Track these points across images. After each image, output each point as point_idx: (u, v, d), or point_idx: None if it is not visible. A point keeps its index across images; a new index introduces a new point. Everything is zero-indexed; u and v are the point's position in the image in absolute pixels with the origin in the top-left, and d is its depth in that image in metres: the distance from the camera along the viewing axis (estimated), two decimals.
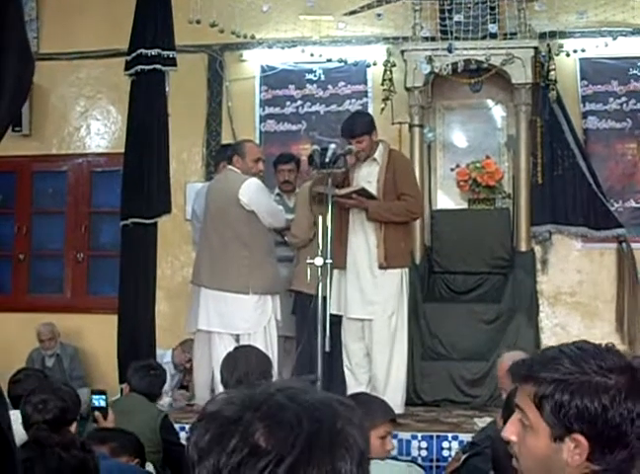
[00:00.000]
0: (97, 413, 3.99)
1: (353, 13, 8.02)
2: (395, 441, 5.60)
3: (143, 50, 6.16)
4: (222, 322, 6.10)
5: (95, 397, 4.02)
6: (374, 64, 8.08)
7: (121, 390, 5.63)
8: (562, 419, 1.79)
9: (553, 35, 7.66)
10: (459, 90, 7.95)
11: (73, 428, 3.56)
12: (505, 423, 3.46)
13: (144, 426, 4.35)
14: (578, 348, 1.86)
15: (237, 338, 6.08)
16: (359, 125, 6.03)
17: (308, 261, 5.50)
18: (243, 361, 4.50)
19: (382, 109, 7.64)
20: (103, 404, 4.01)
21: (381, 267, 5.99)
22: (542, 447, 1.86)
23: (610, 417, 1.75)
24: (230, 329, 6.10)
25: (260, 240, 6.18)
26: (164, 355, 7.23)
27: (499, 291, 7.56)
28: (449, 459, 5.15)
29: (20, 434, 3.11)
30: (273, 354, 5.97)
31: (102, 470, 2.44)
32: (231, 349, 5.09)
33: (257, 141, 7.54)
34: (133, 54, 6.22)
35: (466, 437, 5.26)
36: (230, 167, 6.25)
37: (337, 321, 5.96)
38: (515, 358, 4.63)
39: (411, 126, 7.74)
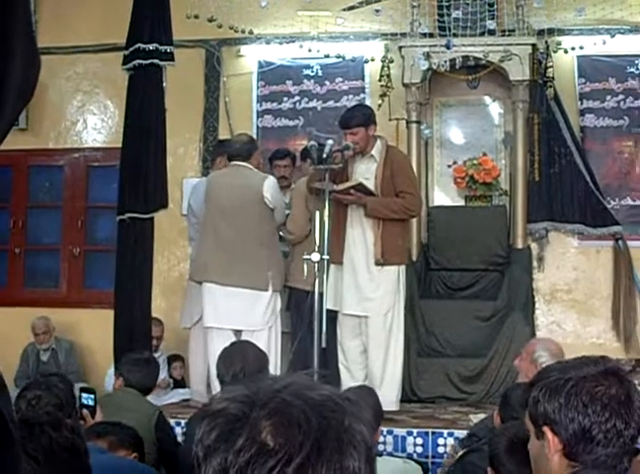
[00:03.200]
0: (85, 411, 3.95)
1: (351, 9, 8.02)
2: (390, 438, 5.62)
3: (141, 45, 6.14)
4: (234, 319, 6.04)
5: (84, 395, 3.99)
6: (372, 60, 8.08)
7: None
8: (536, 415, 1.98)
9: (551, 32, 7.67)
10: (457, 86, 7.95)
11: None
12: (502, 420, 3.47)
13: (138, 423, 4.32)
14: (574, 360, 2.08)
15: (236, 334, 6.03)
16: (355, 118, 6.01)
17: (305, 256, 5.49)
18: (239, 357, 4.49)
19: (380, 105, 7.64)
20: (91, 403, 3.98)
21: (378, 263, 5.97)
22: (533, 447, 2.03)
23: (568, 414, 1.92)
24: (242, 325, 6.04)
25: (274, 237, 6.26)
26: None
27: (495, 288, 7.56)
28: (445, 456, 5.15)
29: None
30: (277, 349, 6.00)
31: (99, 464, 2.43)
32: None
33: (254, 137, 7.52)
34: (131, 49, 6.20)
35: (462, 434, 5.25)
36: (244, 163, 6.22)
37: (333, 317, 5.96)
38: (544, 345, 4.56)
39: (408, 123, 7.73)
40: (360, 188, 5.87)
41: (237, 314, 6.04)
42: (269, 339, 5.99)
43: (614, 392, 1.93)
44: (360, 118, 6.00)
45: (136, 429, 3.88)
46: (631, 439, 1.94)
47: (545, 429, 1.95)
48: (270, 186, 6.10)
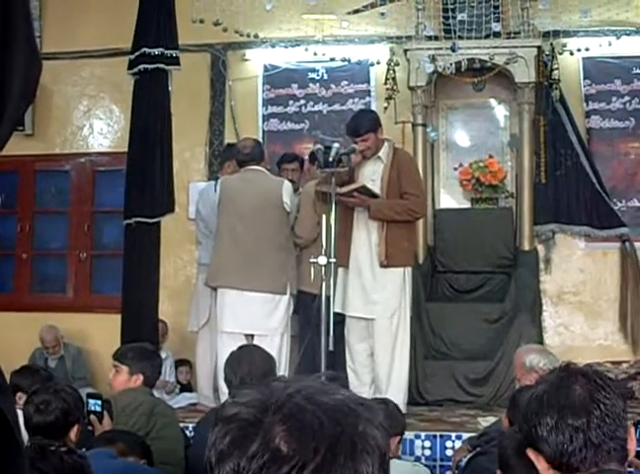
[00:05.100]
0: (92, 416, 3.95)
1: (356, 12, 8.02)
2: None
3: (146, 49, 6.15)
4: (253, 323, 6.01)
5: (91, 401, 3.99)
6: (377, 63, 8.07)
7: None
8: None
9: (556, 34, 7.66)
10: (462, 89, 7.95)
11: (74, 430, 3.53)
12: (510, 422, 3.47)
13: (172, 430, 4.24)
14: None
15: (247, 338, 6.00)
16: (363, 125, 6.00)
17: (312, 260, 5.49)
18: (247, 360, 4.49)
19: (385, 108, 7.64)
20: (98, 408, 3.98)
21: (382, 265, 5.96)
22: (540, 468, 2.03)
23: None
24: (262, 330, 6.01)
25: (290, 240, 6.26)
26: None
27: (502, 291, 7.55)
28: (453, 458, 5.14)
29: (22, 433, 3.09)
30: (287, 352, 5.99)
31: (112, 468, 2.44)
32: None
33: (260, 140, 7.52)
34: (136, 53, 6.22)
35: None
36: (258, 167, 6.21)
37: (340, 320, 5.95)
38: (527, 351, 4.60)
39: (414, 126, 7.74)
40: (364, 190, 5.86)
41: (257, 319, 6.01)
42: (281, 343, 5.99)
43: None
44: (367, 124, 5.99)
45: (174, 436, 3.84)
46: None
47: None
48: (287, 190, 6.13)
